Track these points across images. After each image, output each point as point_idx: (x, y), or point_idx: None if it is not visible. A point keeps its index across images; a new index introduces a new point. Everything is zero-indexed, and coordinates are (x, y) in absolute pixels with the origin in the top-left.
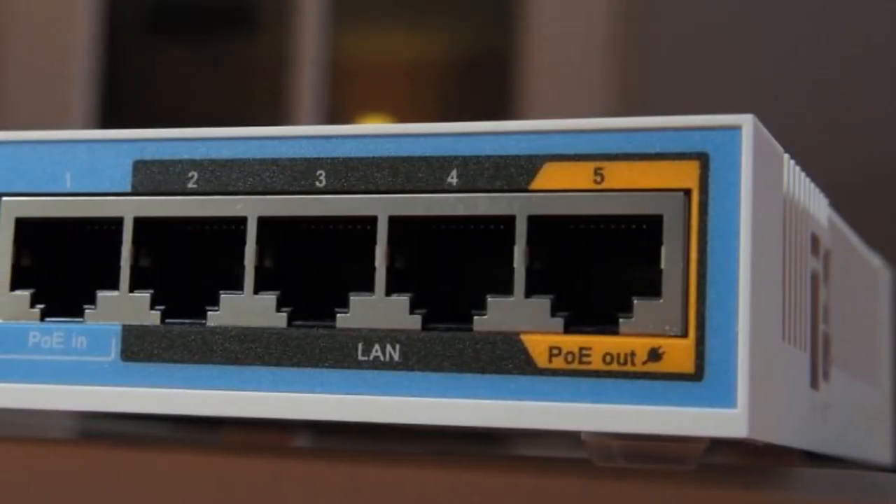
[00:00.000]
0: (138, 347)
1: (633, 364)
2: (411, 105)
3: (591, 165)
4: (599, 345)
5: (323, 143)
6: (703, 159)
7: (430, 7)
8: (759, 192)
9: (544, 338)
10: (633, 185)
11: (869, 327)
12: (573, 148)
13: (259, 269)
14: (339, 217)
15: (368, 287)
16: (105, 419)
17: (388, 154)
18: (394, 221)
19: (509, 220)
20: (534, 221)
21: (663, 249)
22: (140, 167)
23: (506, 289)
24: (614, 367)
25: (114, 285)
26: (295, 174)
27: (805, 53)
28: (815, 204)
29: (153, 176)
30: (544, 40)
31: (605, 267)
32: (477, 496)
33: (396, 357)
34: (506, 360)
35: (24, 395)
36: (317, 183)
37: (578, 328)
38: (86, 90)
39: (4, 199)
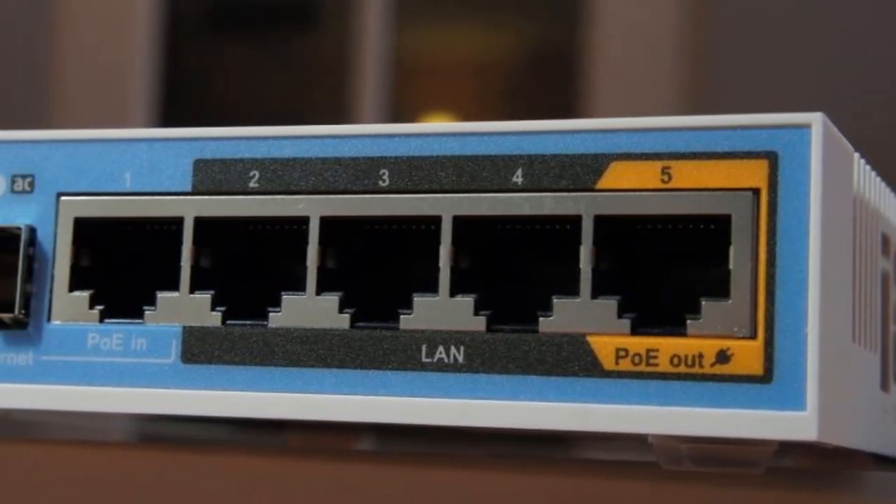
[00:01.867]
0: (199, 349)
1: (700, 366)
2: (476, 103)
3: (659, 164)
4: (667, 346)
5: (386, 141)
6: (772, 158)
7: (495, 4)
8: (829, 192)
9: (611, 339)
10: (700, 184)
11: None
12: (640, 147)
13: (321, 269)
14: (402, 217)
15: (432, 288)
16: (165, 422)
17: (452, 153)
18: (458, 221)
19: (575, 220)
20: (600, 221)
21: (732, 250)
22: (201, 166)
23: (572, 289)
24: (682, 369)
25: (174, 286)
26: (358, 173)
27: (876, 51)
28: (887, 203)
29: (214, 175)
30: (611, 37)
31: (673, 267)
32: (543, 500)
33: (461, 359)
34: (572, 361)
35: (84, 398)
36: (380, 182)
37: (645, 329)
38: (146, 88)
39: (63, 198)
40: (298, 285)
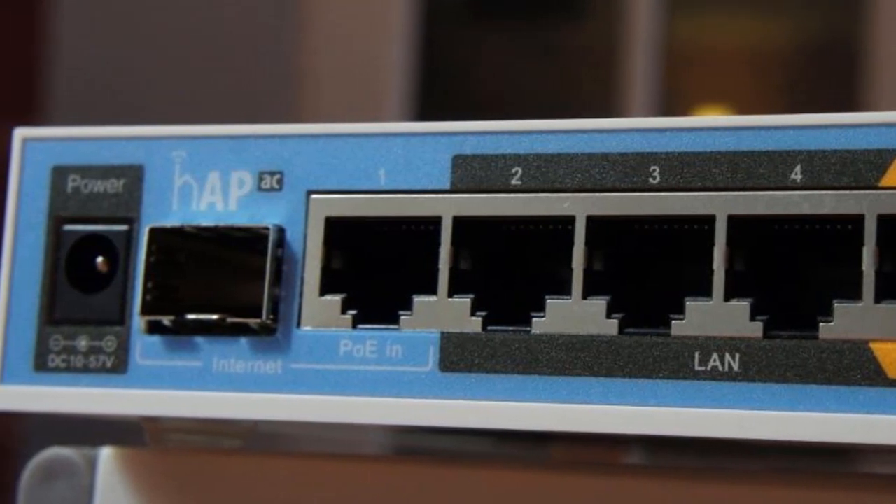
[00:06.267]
0: (458, 357)
1: None
2: (752, 95)
3: None
4: None
5: (657, 136)
6: None
7: None
8: None
9: (895, 346)
10: None
11: None
12: None
13: (588, 272)
14: (674, 216)
15: (705, 291)
16: (422, 434)
17: (726, 148)
18: (733, 221)
19: (857, 220)
20: (884, 221)
21: None
22: (460, 162)
23: (854, 293)
24: None
25: (431, 289)
26: (626, 170)
27: None
28: None
29: (474, 172)
30: None
31: None
32: None
33: (736, 367)
34: (854, 370)
35: (336, 408)
36: (650, 179)
37: None
38: (402, 80)
39: (314, 196)
40: (563, 289)
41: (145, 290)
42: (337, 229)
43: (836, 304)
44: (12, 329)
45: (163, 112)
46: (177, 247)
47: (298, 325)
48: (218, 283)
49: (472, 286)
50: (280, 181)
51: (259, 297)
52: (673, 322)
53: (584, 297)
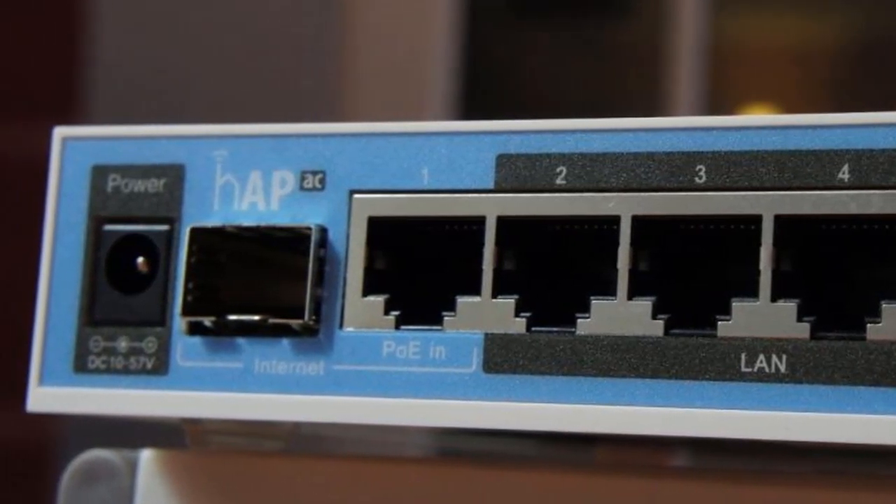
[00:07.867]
0: (502, 358)
1: None
2: (799, 94)
3: None
4: None
5: (703, 135)
6: None
7: None
8: None
9: None
10: None
11: None
12: None
13: (633, 272)
14: (720, 216)
15: (752, 292)
16: (465, 436)
17: (773, 148)
18: (780, 221)
19: None
20: None
21: None
22: (504, 162)
23: None
24: None
25: (475, 290)
26: (672, 169)
27: None
28: None
29: (518, 171)
30: None
31: None
32: None
33: (783, 368)
34: None
35: (378, 410)
36: (696, 179)
37: None
38: (445, 79)
39: (356, 196)
40: (608, 289)
41: (186, 291)
42: (380, 229)
43: (883, 305)
44: (52, 330)
45: (204, 111)
46: (218, 247)
47: (341, 325)
48: (260, 284)
49: (516, 287)
50: (322, 181)
51: (301, 298)
52: (719, 323)
53: (630, 297)
